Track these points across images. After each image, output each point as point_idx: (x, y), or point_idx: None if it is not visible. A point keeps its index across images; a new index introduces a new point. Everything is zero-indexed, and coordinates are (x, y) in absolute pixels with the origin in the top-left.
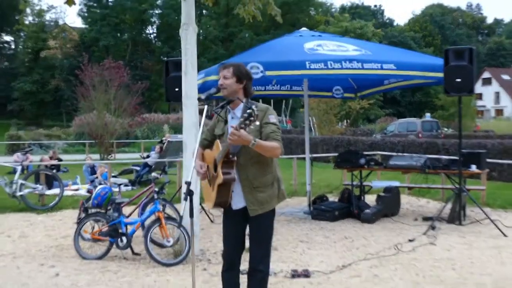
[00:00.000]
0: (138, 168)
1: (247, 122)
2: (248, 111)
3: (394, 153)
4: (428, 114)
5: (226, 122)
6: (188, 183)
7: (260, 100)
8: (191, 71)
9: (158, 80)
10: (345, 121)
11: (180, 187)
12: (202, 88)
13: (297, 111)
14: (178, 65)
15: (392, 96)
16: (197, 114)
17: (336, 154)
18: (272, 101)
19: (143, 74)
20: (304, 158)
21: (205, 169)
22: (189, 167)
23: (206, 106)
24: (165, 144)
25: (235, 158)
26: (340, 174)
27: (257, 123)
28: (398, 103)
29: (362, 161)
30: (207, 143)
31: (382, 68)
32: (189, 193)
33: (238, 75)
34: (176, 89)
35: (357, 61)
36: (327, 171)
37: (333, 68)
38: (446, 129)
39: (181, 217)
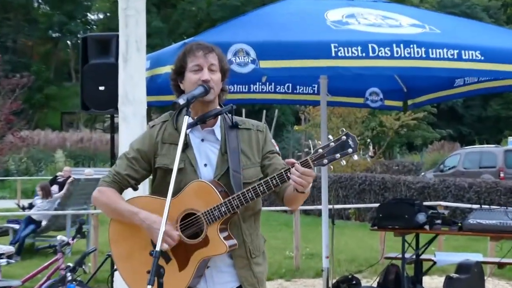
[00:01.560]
0: (17, 226)
1: (337, 155)
2: (343, 137)
3: (470, 205)
4: None
5: (186, 146)
6: (156, 255)
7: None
8: (135, 56)
9: (45, 73)
10: (371, 147)
11: (106, 259)
12: (151, 87)
13: (286, 129)
14: (105, 46)
15: (450, 107)
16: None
17: (364, 206)
18: (244, 111)
19: (19, 62)
20: (315, 212)
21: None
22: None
23: (187, 118)
24: (66, 186)
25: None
26: (376, 239)
27: (356, 157)
28: (460, 119)
29: (421, 217)
30: (125, 186)
31: (460, 58)
32: (158, 272)
33: (224, 68)
34: (101, 88)
35: (418, 44)
36: (350, 233)
37: (377, 57)
38: None
39: None
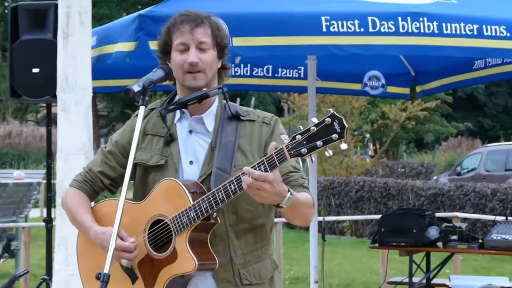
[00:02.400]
0: None
1: (319, 142)
2: (318, 120)
3: (490, 216)
4: None
5: (171, 138)
6: (105, 279)
7: None
8: (79, 31)
9: None
10: (370, 144)
11: (40, 285)
12: (97, 69)
13: None
14: (40, 18)
15: (468, 95)
16: (90, 124)
17: (362, 217)
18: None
19: None
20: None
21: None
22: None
23: (142, 108)
24: None
25: (218, 219)
26: (377, 260)
27: (344, 145)
28: (481, 109)
29: (433, 232)
30: (98, 187)
31: (481, 35)
32: None
33: (221, 43)
34: (35, 71)
35: (429, 17)
36: (344, 251)
37: (379, 33)
38: None
39: None
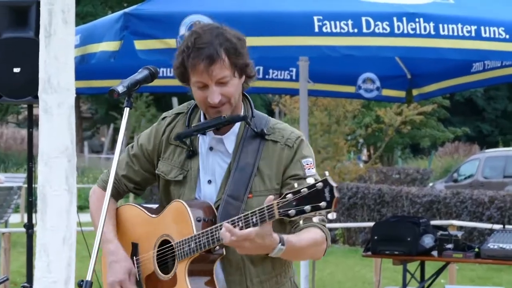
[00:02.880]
0: None
1: (307, 207)
2: (313, 181)
3: (487, 225)
4: None
5: (192, 153)
6: (87, 286)
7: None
8: (62, 30)
9: None
10: (365, 149)
11: None
12: (80, 69)
13: None
14: (21, 16)
15: (466, 99)
16: (73, 126)
17: (355, 225)
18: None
19: None
20: None
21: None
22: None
23: (127, 110)
24: None
25: (223, 250)
26: (370, 269)
27: (333, 215)
28: (479, 114)
29: (428, 241)
30: (123, 190)
31: (479, 37)
32: None
33: (240, 65)
34: (16, 70)
35: (426, 18)
36: (336, 260)
37: (373, 34)
38: None
39: None
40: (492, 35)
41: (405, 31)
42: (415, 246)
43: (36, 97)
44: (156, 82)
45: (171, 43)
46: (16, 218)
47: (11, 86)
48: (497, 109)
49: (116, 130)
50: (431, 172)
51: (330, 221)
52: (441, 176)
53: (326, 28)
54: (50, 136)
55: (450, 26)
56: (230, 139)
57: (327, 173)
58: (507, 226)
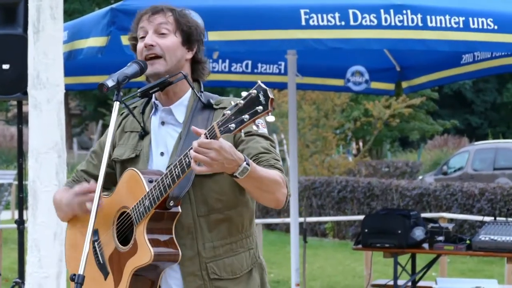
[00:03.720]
0: None
1: (245, 115)
2: (253, 92)
3: (477, 217)
4: None
5: (144, 133)
6: (79, 280)
7: None
8: (50, 26)
9: None
10: (354, 143)
11: None
12: (69, 65)
13: None
14: (9, 12)
15: (455, 92)
16: (62, 121)
17: (345, 218)
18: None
19: None
20: (281, 227)
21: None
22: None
23: (117, 104)
24: None
25: (179, 208)
26: (361, 262)
27: (271, 117)
28: (468, 106)
29: (419, 233)
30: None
31: (467, 28)
32: None
33: (186, 30)
34: (5, 67)
35: (413, 9)
36: (326, 253)
37: (360, 26)
38: None
39: None
40: (480, 26)
41: (393, 23)
42: (406, 238)
43: (26, 93)
44: (144, 76)
45: None
46: (7, 215)
47: (0, 83)
48: (486, 102)
49: (105, 127)
50: (421, 165)
51: (320, 214)
52: (430, 169)
53: (313, 21)
54: (40, 131)
55: (438, 18)
56: (179, 110)
57: (259, 81)
58: (498, 218)
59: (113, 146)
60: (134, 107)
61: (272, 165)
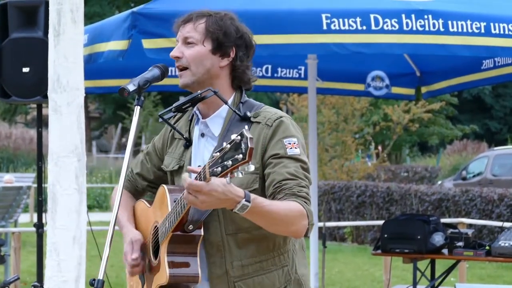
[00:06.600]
0: None
1: (228, 161)
2: (235, 136)
3: (497, 222)
4: None
5: (188, 143)
6: (99, 285)
7: None
8: (71, 29)
9: None
10: (373, 147)
11: None
12: (88, 69)
13: None
14: (30, 16)
15: (475, 97)
16: (82, 125)
17: (364, 223)
18: None
19: None
20: None
21: (138, 255)
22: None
23: (138, 108)
24: None
25: (201, 231)
26: (380, 267)
27: (251, 167)
28: (488, 111)
29: (438, 239)
30: (139, 187)
31: (489, 33)
32: None
33: (217, 37)
34: (25, 70)
35: (434, 14)
36: (345, 258)
37: (382, 31)
38: None
39: None
40: (502, 32)
41: (414, 28)
42: (425, 244)
43: (45, 96)
44: (164, 81)
45: None
46: (26, 218)
47: (20, 86)
48: (506, 107)
49: (124, 130)
50: (440, 170)
51: (339, 219)
52: (449, 174)
53: (335, 25)
54: (60, 135)
55: (459, 23)
56: (216, 122)
57: (246, 127)
58: None
59: (164, 152)
60: (182, 114)
61: (294, 193)
